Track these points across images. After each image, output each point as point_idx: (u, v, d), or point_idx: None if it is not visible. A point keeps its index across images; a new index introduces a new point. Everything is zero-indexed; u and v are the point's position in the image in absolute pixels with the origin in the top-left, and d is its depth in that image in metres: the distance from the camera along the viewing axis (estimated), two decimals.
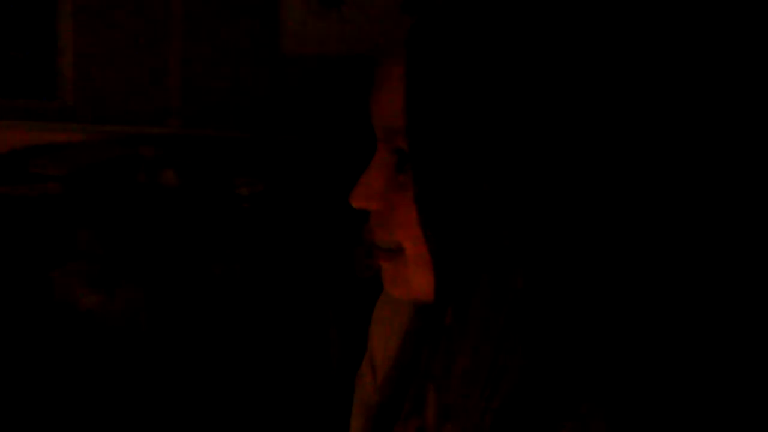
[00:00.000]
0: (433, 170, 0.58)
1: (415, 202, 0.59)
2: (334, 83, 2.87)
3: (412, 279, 0.64)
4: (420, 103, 0.58)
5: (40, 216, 2.56)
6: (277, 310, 2.51)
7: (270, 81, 2.87)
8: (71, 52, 2.79)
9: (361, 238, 2.37)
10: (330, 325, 2.42)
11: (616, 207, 0.59)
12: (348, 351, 2.37)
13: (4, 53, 2.79)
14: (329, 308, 2.45)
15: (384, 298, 0.84)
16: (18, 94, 2.80)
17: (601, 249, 0.58)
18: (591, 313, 0.59)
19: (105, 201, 2.63)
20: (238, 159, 2.83)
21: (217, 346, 2.50)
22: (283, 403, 2.38)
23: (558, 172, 0.56)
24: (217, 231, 2.62)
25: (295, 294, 2.53)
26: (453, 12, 0.59)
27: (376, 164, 0.64)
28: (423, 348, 0.74)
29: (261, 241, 2.59)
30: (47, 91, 2.81)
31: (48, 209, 2.58)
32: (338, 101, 2.84)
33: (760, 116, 2.42)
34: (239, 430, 2.37)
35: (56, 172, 2.61)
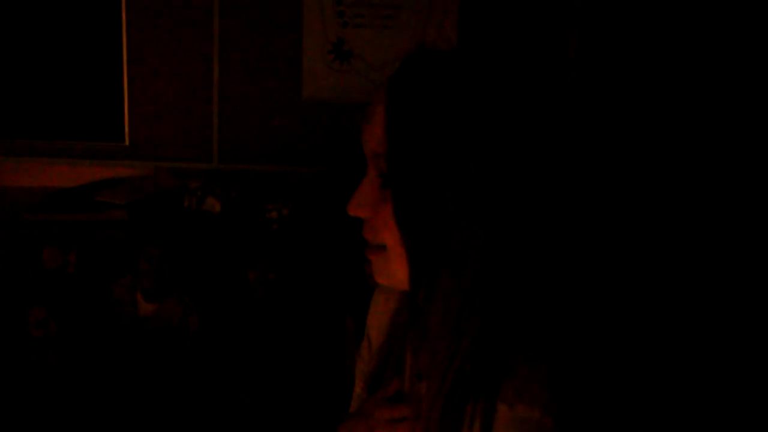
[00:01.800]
0: (406, 186, 0.66)
1: (394, 210, 0.68)
2: (346, 124, 3.08)
3: (393, 270, 0.72)
4: (396, 136, 0.66)
5: (108, 236, 2.80)
6: (303, 310, 2.69)
7: (294, 123, 3.09)
8: (131, 103, 3.04)
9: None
10: (346, 322, 2.57)
11: (542, 216, 0.68)
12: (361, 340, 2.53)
13: (77, 103, 3.05)
14: (346, 309, 2.60)
15: (378, 290, 0.94)
16: (87, 137, 3.07)
17: (532, 244, 0.67)
18: (529, 287, 0.68)
19: (159, 224, 2.84)
20: (268, 188, 3.02)
21: (254, 340, 2.66)
22: (306, 379, 2.58)
23: (496, 185, 0.65)
24: (253, 247, 2.78)
25: (318, 297, 2.70)
26: (421, 70, 0.68)
27: (366, 182, 0.72)
28: (405, 325, 0.83)
29: (289, 254, 2.77)
30: (112, 135, 3.06)
31: (114, 231, 2.81)
32: (351, 139, 2.87)
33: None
34: (265, 400, 2.54)
35: (120, 201, 2.87)
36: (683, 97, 2.84)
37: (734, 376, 2.24)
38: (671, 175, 2.86)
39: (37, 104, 3.08)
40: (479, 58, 0.69)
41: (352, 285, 2.65)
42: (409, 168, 0.66)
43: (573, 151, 0.69)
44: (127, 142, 3.10)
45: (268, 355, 2.67)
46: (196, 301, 2.76)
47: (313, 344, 2.66)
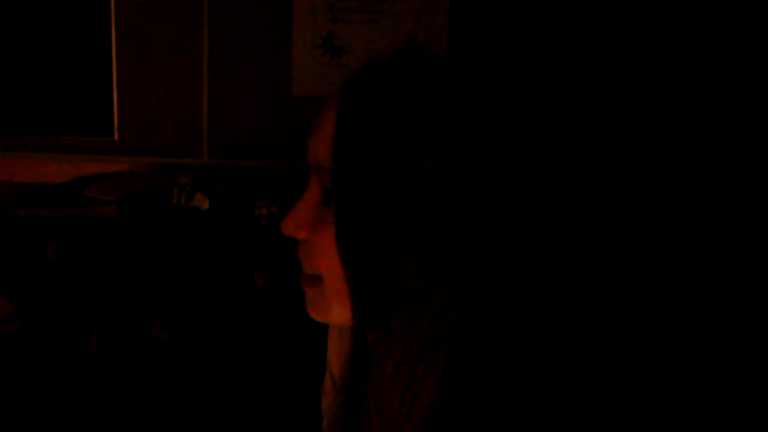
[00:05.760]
0: (353, 204, 0.58)
1: (336, 234, 0.59)
2: None
3: (330, 306, 0.63)
4: (345, 149, 0.58)
5: (100, 232, 2.73)
6: (289, 308, 2.68)
7: (284, 119, 3.08)
8: (120, 98, 3.02)
9: None
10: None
11: (513, 247, 0.58)
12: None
13: (66, 98, 3.03)
14: None
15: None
16: (76, 132, 3.06)
17: (505, 280, 0.58)
18: (503, 336, 0.58)
19: (148, 221, 2.80)
20: (257, 184, 3.02)
21: (237, 341, 2.68)
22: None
23: (459, 210, 0.56)
24: (241, 244, 2.77)
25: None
26: (375, 80, 0.60)
27: (306, 198, 0.64)
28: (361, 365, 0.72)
29: (278, 251, 2.71)
30: (101, 129, 3.05)
31: (103, 226, 2.74)
32: None
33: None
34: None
35: (109, 197, 2.83)
36: (680, 91, 2.77)
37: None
38: (664, 177, 2.82)
39: (26, 98, 3.05)
40: (457, 65, 0.60)
41: None
42: (358, 181, 0.57)
43: (553, 179, 0.60)
44: (116, 137, 3.08)
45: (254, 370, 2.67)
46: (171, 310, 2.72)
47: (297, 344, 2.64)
